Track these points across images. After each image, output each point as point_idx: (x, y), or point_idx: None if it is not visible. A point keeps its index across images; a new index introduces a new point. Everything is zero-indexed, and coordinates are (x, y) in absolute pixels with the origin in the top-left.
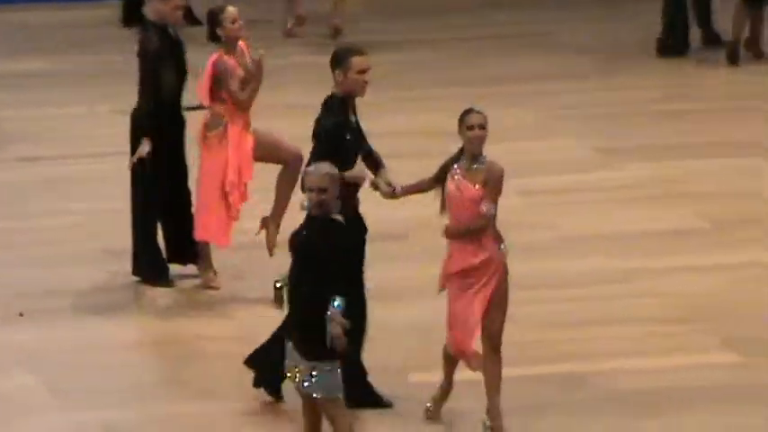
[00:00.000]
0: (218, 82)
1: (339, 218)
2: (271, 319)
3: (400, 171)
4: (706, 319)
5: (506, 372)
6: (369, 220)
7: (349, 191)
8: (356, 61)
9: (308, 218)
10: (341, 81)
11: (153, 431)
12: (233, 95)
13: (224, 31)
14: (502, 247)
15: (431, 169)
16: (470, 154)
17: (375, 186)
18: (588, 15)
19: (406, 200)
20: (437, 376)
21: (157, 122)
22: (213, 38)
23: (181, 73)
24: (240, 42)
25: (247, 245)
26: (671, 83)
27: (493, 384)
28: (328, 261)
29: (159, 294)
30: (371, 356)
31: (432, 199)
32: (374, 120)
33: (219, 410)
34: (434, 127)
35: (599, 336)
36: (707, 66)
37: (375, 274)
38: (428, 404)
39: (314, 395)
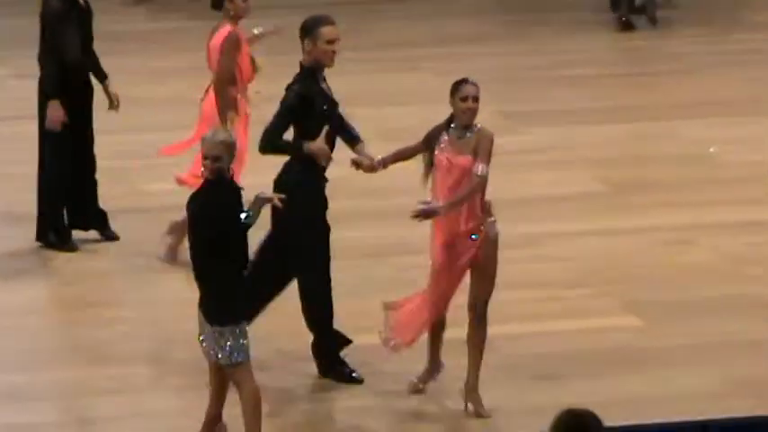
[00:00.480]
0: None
1: (235, 185)
2: (177, 283)
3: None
4: (607, 283)
5: None
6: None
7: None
8: (325, 31)
9: (204, 182)
10: (309, 50)
11: (57, 395)
12: (223, 67)
13: (233, 6)
14: (490, 219)
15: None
16: (461, 125)
17: (356, 164)
18: None
19: None
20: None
21: (63, 87)
22: (217, 6)
23: (86, 39)
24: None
25: (154, 209)
26: (571, 48)
27: (473, 356)
28: (214, 225)
29: (63, 260)
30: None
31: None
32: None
33: (123, 375)
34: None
35: (502, 300)
36: (605, 31)
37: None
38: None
39: (218, 360)
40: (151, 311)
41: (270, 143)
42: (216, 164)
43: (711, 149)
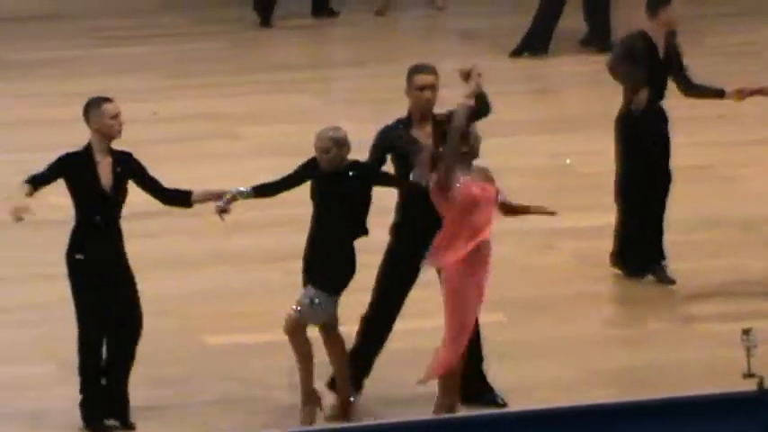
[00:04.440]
0: None
1: None
2: None
3: (183, 153)
4: None
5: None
6: None
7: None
8: (417, 78)
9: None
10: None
11: None
12: None
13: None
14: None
15: (211, 150)
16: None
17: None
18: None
19: None
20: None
21: (638, 123)
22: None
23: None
24: None
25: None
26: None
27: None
28: None
29: None
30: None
31: None
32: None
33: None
34: (215, 112)
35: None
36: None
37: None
38: None
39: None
40: (59, 314)
41: None
42: (326, 155)
43: (568, 161)
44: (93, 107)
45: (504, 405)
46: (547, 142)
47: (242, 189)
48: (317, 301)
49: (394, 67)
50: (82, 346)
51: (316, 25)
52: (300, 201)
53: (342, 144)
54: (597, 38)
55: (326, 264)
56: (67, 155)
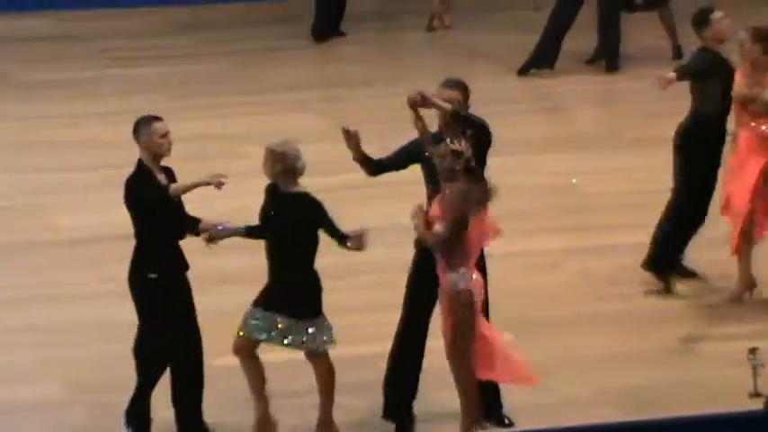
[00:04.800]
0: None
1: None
2: (88, 309)
3: (189, 173)
4: None
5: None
6: None
7: None
8: (439, 92)
9: None
10: None
11: None
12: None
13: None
14: (454, 276)
15: (217, 170)
16: None
17: None
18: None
19: None
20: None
21: (701, 138)
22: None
23: (726, 91)
24: None
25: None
26: None
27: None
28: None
29: None
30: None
31: None
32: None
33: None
34: (221, 132)
35: (387, 320)
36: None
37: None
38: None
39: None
40: (63, 335)
41: None
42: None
43: (574, 180)
44: (144, 126)
45: (511, 425)
46: (553, 161)
47: (239, 228)
48: (281, 326)
49: (401, 87)
50: (151, 369)
51: (322, 45)
52: None
53: (277, 158)
54: (606, 55)
55: (285, 290)
56: (133, 177)
